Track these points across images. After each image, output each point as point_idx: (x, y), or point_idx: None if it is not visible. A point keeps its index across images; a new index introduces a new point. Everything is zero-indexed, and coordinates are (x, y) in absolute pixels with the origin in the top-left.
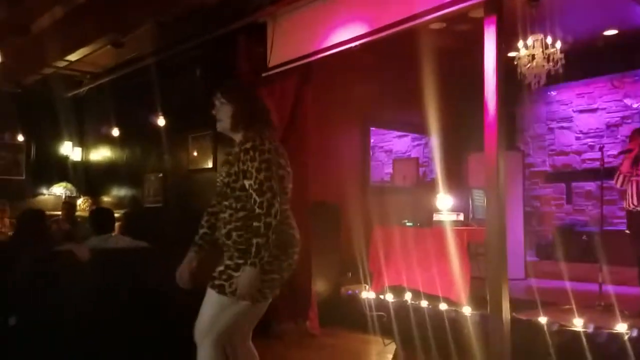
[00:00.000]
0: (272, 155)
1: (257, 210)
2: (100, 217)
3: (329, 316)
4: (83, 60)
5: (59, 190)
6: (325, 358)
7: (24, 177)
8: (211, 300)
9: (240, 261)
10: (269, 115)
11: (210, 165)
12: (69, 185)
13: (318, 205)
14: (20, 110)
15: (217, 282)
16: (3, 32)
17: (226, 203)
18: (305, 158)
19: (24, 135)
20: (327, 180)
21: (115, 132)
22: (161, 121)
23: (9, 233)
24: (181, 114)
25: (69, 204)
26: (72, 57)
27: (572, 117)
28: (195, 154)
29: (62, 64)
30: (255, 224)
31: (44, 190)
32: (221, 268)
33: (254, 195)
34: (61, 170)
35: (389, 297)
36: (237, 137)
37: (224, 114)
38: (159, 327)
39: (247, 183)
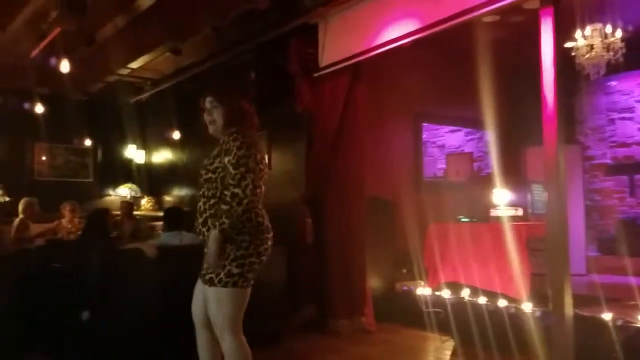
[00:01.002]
0: (254, 151)
1: (233, 189)
2: (171, 215)
3: (384, 312)
4: (144, 67)
5: (125, 191)
6: (382, 354)
7: (91, 180)
8: (218, 296)
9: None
10: (255, 118)
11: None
12: (134, 186)
13: (372, 201)
14: (87, 116)
15: (218, 278)
16: (71, 42)
17: (200, 192)
18: (360, 156)
19: (91, 140)
20: (381, 177)
21: (176, 134)
22: None
23: (79, 232)
24: None
25: (127, 203)
26: (134, 64)
27: (634, 107)
28: None
29: (124, 71)
30: (223, 206)
31: (110, 191)
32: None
33: (231, 169)
34: (126, 172)
35: (446, 294)
36: (226, 136)
37: (217, 115)
38: None
39: (226, 159)
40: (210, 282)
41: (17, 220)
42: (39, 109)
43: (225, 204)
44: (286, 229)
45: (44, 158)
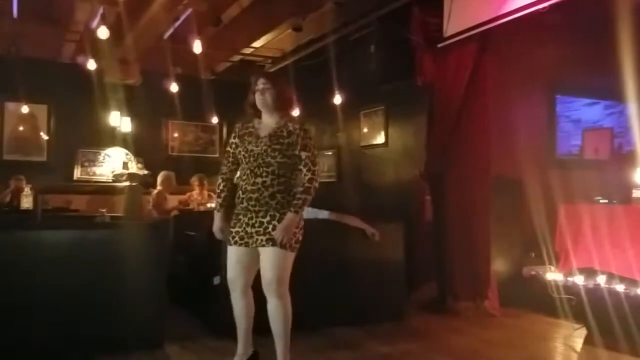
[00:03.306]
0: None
1: (310, 175)
2: None
3: (509, 297)
4: (266, 45)
5: None
6: (507, 338)
7: (217, 155)
8: (277, 257)
9: (283, 217)
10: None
11: (382, 140)
12: None
13: (498, 180)
14: (214, 95)
15: (289, 243)
16: (200, 23)
17: (268, 170)
18: (486, 131)
19: (217, 117)
20: (509, 154)
21: (295, 111)
22: (337, 99)
23: (208, 204)
24: (353, 91)
25: None
26: (257, 43)
27: None
28: (365, 130)
29: (247, 50)
30: (307, 185)
31: None
32: (271, 227)
33: (310, 164)
34: None
35: (579, 279)
36: (274, 116)
37: (269, 96)
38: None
39: (304, 154)
40: (280, 245)
41: (155, 192)
42: (174, 88)
43: (306, 191)
44: (404, 206)
45: (176, 135)
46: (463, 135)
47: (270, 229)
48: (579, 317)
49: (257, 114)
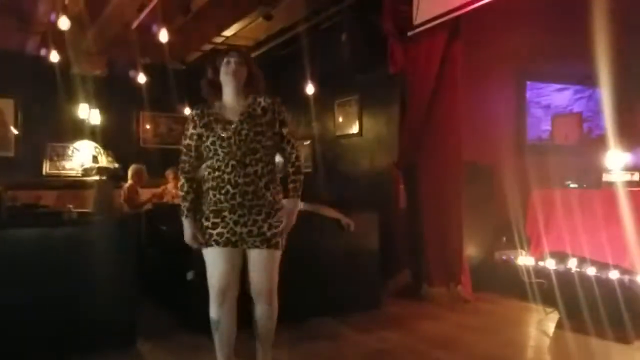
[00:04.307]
0: None
1: (296, 153)
2: None
3: (482, 282)
4: (237, 35)
5: None
6: (481, 323)
7: None
8: (274, 259)
9: (279, 210)
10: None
11: (356, 130)
12: None
13: (470, 166)
14: (186, 85)
15: (274, 241)
16: (169, 12)
17: (256, 157)
18: (457, 118)
19: (189, 107)
20: (480, 140)
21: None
22: (310, 89)
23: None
24: (327, 81)
25: None
26: (228, 32)
27: None
28: (340, 119)
29: (219, 39)
30: (296, 163)
31: None
32: (266, 227)
33: (292, 140)
34: None
35: (550, 264)
36: (239, 97)
37: (240, 73)
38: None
39: (284, 131)
40: (275, 246)
41: (126, 186)
42: (142, 78)
43: (297, 171)
44: (378, 195)
45: (148, 126)
46: (435, 123)
47: (265, 229)
48: (551, 301)
49: (217, 95)
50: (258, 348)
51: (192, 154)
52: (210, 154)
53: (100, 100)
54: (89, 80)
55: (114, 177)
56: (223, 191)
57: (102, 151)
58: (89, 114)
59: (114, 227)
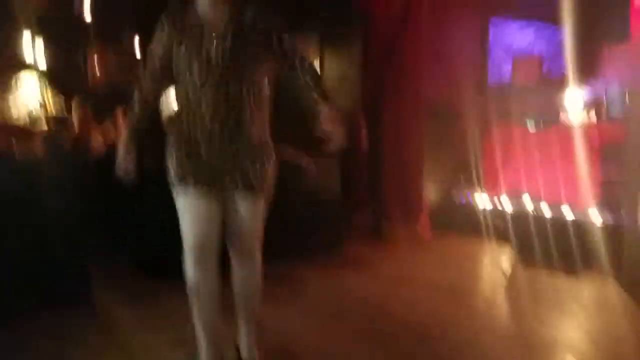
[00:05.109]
0: None
1: (311, 72)
2: None
3: (441, 220)
4: None
5: None
6: (439, 261)
7: None
8: (259, 204)
9: (269, 156)
10: None
11: (317, 70)
12: None
13: (431, 106)
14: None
15: (256, 183)
16: None
17: (243, 77)
18: (419, 58)
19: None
20: (441, 80)
21: None
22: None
23: None
24: (289, 19)
25: None
26: None
27: None
28: None
29: None
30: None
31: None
32: (249, 163)
33: (303, 57)
34: None
35: (505, 201)
36: (223, 4)
37: None
38: None
39: (297, 61)
40: (260, 189)
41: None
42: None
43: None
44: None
45: (96, 66)
46: (398, 63)
47: (248, 166)
48: (505, 238)
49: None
50: (240, 324)
51: (155, 72)
52: (182, 71)
53: (46, 36)
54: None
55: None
56: (198, 115)
57: (50, 95)
58: (33, 50)
59: (63, 164)
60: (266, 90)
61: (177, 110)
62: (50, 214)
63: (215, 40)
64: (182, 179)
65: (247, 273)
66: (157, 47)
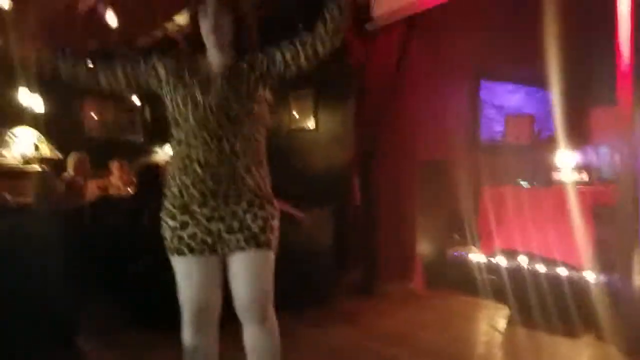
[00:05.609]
0: None
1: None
2: None
3: (434, 278)
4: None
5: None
6: (434, 319)
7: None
8: (264, 262)
9: (270, 203)
10: None
11: (312, 125)
12: None
13: (424, 163)
14: None
15: (263, 238)
16: None
17: (235, 128)
18: (412, 114)
19: (138, 97)
20: (435, 137)
21: None
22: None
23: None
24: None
25: None
26: (182, 20)
27: None
28: (295, 114)
29: (173, 27)
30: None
31: (158, 149)
32: (250, 218)
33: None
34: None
35: (501, 260)
36: (227, 53)
37: (228, 26)
38: None
39: (294, 44)
40: (266, 244)
41: (67, 176)
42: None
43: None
44: (333, 190)
45: (94, 115)
46: (391, 119)
47: (249, 221)
48: (501, 296)
49: (198, 51)
50: None
51: (130, 67)
52: (177, 117)
53: (42, 85)
54: (30, 64)
55: (57, 168)
56: (190, 172)
57: (44, 139)
58: (29, 98)
59: (54, 218)
60: (261, 136)
61: (173, 166)
62: (42, 259)
63: (212, 85)
64: (178, 251)
65: (259, 337)
66: (151, 66)
